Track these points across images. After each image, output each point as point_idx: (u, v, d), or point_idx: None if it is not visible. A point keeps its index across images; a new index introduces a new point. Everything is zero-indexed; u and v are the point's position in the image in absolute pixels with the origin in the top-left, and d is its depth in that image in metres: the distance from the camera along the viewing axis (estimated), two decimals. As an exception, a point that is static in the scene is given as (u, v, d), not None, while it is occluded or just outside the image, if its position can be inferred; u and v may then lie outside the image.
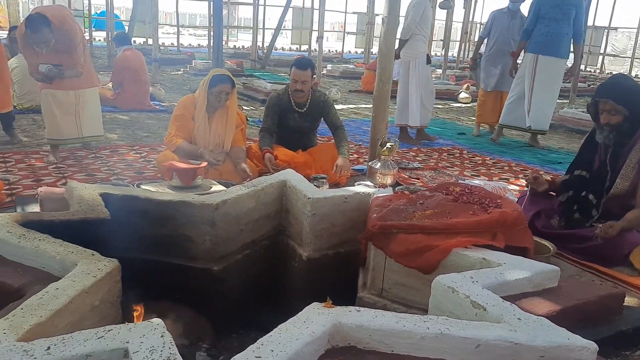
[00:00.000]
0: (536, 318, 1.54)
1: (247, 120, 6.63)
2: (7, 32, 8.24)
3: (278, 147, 4.08)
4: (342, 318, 1.48)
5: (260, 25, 17.91)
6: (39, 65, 4.17)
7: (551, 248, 2.82)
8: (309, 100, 4.07)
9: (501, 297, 1.66)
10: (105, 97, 7.19)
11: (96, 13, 18.14)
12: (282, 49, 21.42)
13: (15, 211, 2.74)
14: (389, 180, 3.91)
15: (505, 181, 4.65)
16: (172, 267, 2.50)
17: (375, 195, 2.64)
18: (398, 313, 1.53)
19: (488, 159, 5.65)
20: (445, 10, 12.47)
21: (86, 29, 15.04)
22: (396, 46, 4.64)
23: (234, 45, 21.14)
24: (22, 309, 1.43)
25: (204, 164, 3.20)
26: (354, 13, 23.26)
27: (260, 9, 17.34)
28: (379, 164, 3.93)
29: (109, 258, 1.80)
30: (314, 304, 1.56)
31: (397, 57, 5.59)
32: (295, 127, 4.11)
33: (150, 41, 16.23)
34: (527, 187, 3.30)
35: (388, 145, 3.82)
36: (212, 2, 13.50)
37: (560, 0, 5.59)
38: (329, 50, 21.43)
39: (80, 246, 1.87)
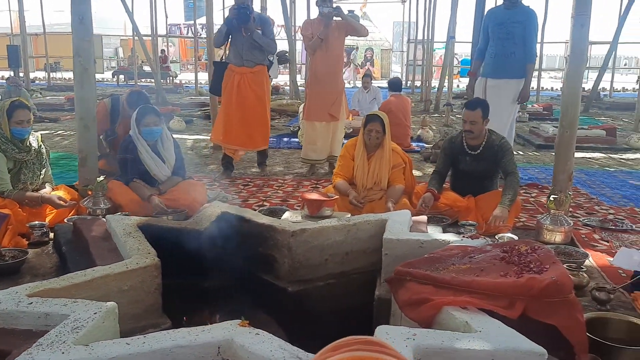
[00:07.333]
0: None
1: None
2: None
3: (448, 191, 4.01)
4: (237, 337, 1.62)
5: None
6: None
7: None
8: (483, 143, 3.88)
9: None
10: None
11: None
12: (633, 89, 19.00)
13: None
14: (558, 238, 3.42)
15: None
16: (263, 282, 2.87)
17: (451, 244, 2.49)
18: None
19: None
20: None
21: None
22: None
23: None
24: (57, 277, 2.04)
25: (336, 197, 3.45)
26: None
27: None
28: (549, 219, 3.48)
29: (155, 257, 2.30)
30: (234, 321, 1.73)
31: None
32: (467, 171, 3.96)
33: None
34: None
35: (552, 197, 3.36)
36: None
37: (504, 18, 5.02)
38: None
39: (152, 246, 2.42)
